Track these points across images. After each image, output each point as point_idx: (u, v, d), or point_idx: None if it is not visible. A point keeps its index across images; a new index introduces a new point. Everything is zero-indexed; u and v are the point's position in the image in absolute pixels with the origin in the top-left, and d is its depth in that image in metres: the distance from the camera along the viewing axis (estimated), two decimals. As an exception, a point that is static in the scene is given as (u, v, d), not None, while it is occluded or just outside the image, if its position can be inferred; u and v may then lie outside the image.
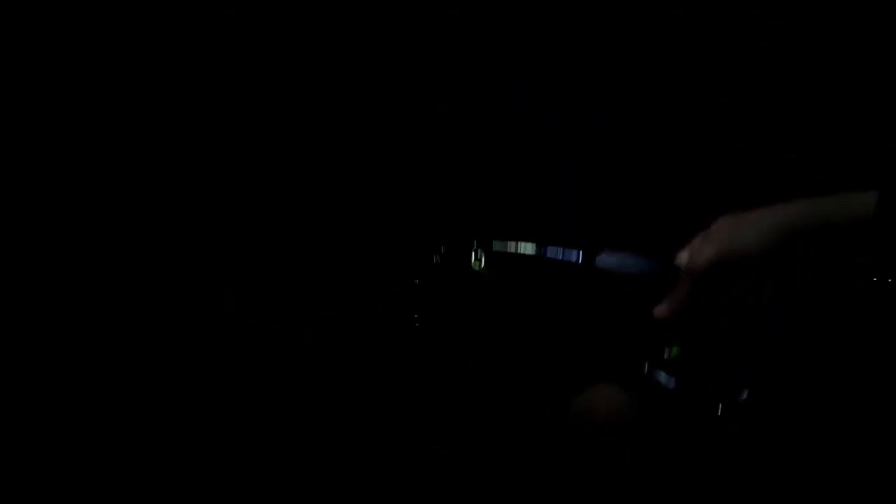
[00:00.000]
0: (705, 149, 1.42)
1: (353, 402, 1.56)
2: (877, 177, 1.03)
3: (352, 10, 1.58)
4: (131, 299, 1.58)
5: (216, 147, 1.60)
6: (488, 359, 1.51)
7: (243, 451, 1.56)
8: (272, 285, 1.58)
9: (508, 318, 1.49)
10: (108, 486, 1.54)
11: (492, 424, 1.50)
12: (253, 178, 1.60)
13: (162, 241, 1.59)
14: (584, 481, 1.30)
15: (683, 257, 1.10)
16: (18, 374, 1.56)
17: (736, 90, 1.44)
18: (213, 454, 1.55)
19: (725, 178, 1.38)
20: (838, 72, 1.36)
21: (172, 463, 1.55)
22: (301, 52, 1.59)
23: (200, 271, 1.58)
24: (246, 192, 1.60)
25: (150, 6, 1.58)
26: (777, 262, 1.05)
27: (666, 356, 1.15)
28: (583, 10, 1.52)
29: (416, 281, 1.20)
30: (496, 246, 1.19)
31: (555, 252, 1.17)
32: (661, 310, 1.10)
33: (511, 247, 1.18)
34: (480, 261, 1.18)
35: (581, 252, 1.16)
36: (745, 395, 1.13)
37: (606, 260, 1.15)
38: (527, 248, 1.18)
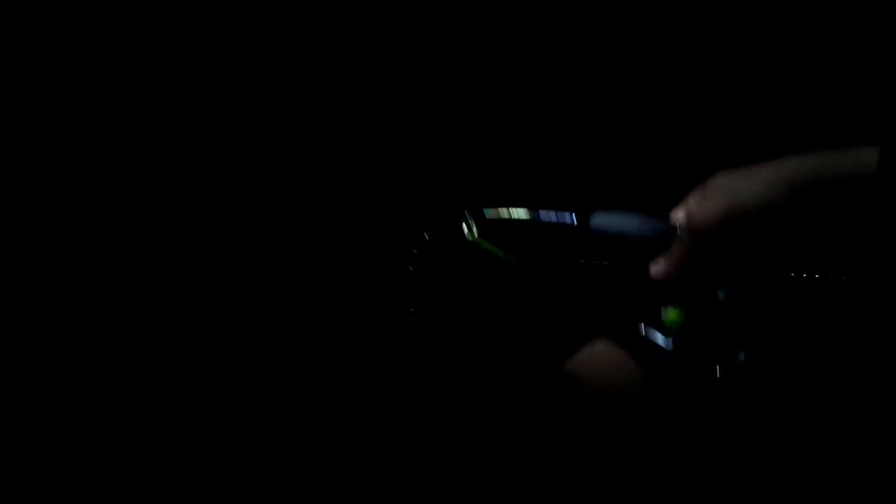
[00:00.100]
0: (705, 149, 1.41)
1: (353, 401, 1.56)
2: (879, 131, 1.01)
3: (352, 10, 1.58)
4: (131, 299, 1.58)
5: (216, 147, 1.60)
6: (488, 359, 1.51)
7: (243, 451, 1.56)
8: (272, 285, 1.58)
9: (508, 318, 1.49)
10: (108, 485, 1.54)
11: (492, 424, 1.50)
12: (253, 178, 1.60)
13: (162, 241, 1.59)
14: (583, 481, 1.30)
15: (680, 214, 1.07)
16: (19, 374, 1.56)
17: (736, 90, 1.45)
18: (213, 454, 1.55)
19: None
20: (838, 72, 1.36)
21: (173, 462, 1.55)
22: (301, 53, 1.59)
23: (200, 271, 1.58)
24: (246, 193, 1.60)
25: (150, 6, 1.58)
26: (780, 218, 1.02)
27: (663, 317, 1.12)
28: (583, 10, 1.52)
29: (410, 267, 1.17)
30: (488, 214, 1.15)
31: (548, 215, 1.13)
32: (657, 268, 1.06)
33: (504, 213, 1.15)
34: (473, 230, 1.15)
35: (576, 214, 1.12)
36: (742, 357, 1.11)
37: (602, 220, 1.12)
38: (520, 213, 1.14)
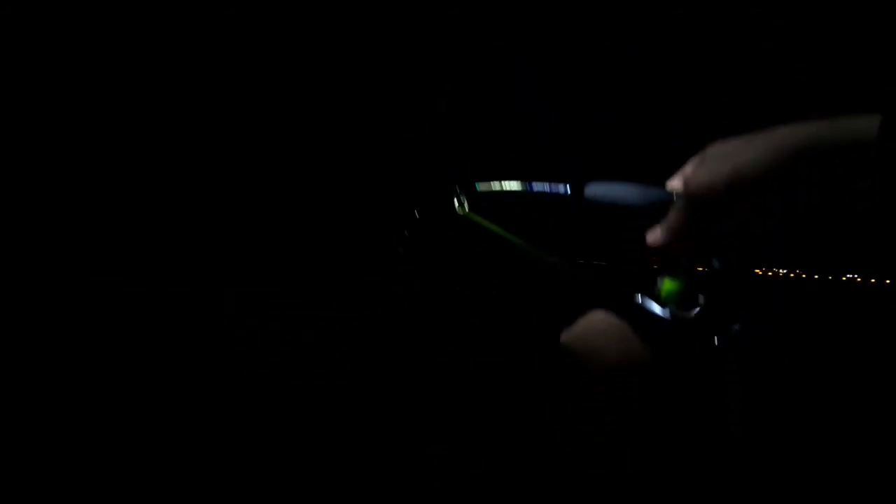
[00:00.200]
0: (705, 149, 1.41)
1: (353, 401, 1.56)
2: (880, 100, 1.00)
3: (352, 10, 1.58)
4: (131, 299, 1.58)
5: (216, 148, 1.60)
6: (488, 359, 1.51)
7: (244, 451, 1.56)
8: (272, 285, 1.58)
9: (508, 317, 1.49)
10: (108, 485, 1.54)
11: (492, 424, 1.50)
12: (253, 178, 1.60)
13: (162, 242, 1.59)
14: (583, 481, 1.30)
15: (678, 182, 1.04)
16: (19, 374, 1.56)
17: (736, 90, 1.45)
18: (213, 453, 1.55)
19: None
20: (838, 72, 1.36)
21: (173, 462, 1.55)
22: (301, 53, 1.59)
23: (200, 271, 1.58)
24: (246, 193, 1.60)
25: (150, 6, 1.58)
26: (782, 185, 1.01)
27: (658, 286, 1.09)
28: (583, 10, 1.52)
29: (400, 250, 1.14)
30: (479, 187, 1.12)
31: (541, 186, 1.10)
32: (654, 235, 1.03)
33: (495, 186, 1.11)
34: (464, 205, 1.12)
35: (569, 184, 1.10)
36: (736, 328, 1.09)
37: (596, 190, 1.08)
38: (512, 185, 1.11)
